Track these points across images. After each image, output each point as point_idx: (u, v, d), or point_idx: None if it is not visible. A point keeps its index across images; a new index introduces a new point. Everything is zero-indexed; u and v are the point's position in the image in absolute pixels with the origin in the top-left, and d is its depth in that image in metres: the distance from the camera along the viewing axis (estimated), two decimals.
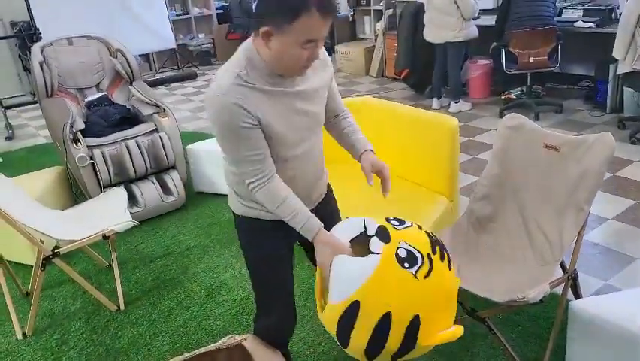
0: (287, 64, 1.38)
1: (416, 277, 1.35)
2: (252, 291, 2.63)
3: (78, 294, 2.79)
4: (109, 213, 2.70)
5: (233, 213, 1.68)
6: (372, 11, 7.12)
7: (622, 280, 2.46)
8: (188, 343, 2.36)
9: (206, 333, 2.41)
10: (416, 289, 1.36)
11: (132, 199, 3.41)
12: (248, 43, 1.44)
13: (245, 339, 1.76)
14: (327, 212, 1.72)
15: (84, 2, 7.07)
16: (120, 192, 2.92)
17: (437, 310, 1.41)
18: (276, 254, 1.66)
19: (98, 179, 3.33)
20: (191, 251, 3.12)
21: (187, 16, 8.96)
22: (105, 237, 2.50)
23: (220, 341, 1.81)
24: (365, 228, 1.45)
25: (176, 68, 8.72)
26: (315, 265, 1.56)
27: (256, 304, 1.79)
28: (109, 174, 3.34)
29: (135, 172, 3.43)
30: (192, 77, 8.10)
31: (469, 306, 2.04)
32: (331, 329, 1.43)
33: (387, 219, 1.48)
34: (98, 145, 3.36)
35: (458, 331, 1.40)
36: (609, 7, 4.73)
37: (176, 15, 8.83)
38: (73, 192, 3.74)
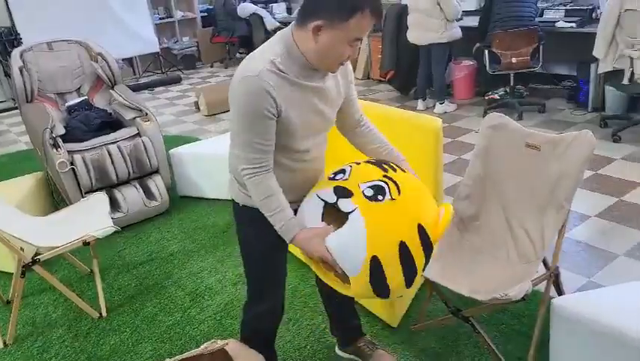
0: (329, 59, 1.43)
1: (394, 200, 1.44)
2: (236, 295, 2.64)
3: (59, 301, 2.74)
4: (90, 219, 2.66)
5: (233, 201, 1.70)
6: None
7: (605, 277, 2.48)
8: (171, 349, 2.33)
9: (191, 338, 2.38)
10: (402, 208, 1.46)
11: (114, 205, 3.36)
12: (285, 33, 1.45)
13: (227, 344, 1.74)
14: None
15: (66, 7, 7.01)
16: (101, 198, 2.88)
17: (425, 208, 1.51)
18: (272, 243, 1.67)
19: (79, 184, 3.28)
20: (175, 256, 3.08)
21: (171, 19, 8.91)
22: (86, 243, 2.46)
23: (202, 346, 1.78)
24: (324, 200, 1.50)
25: (160, 71, 8.66)
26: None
27: (248, 292, 1.81)
28: (90, 179, 3.30)
29: (117, 177, 3.39)
30: (176, 80, 8.05)
31: (453, 305, 2.05)
32: (367, 294, 1.49)
33: (332, 178, 1.54)
34: (78, 150, 3.31)
35: (448, 208, 1.53)
36: (590, 7, 4.78)
37: (160, 18, 8.78)
38: (54, 198, 3.69)
